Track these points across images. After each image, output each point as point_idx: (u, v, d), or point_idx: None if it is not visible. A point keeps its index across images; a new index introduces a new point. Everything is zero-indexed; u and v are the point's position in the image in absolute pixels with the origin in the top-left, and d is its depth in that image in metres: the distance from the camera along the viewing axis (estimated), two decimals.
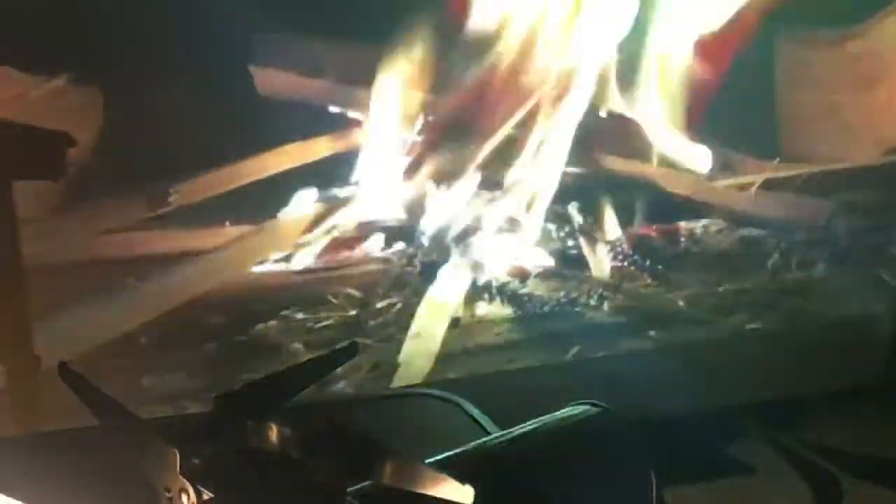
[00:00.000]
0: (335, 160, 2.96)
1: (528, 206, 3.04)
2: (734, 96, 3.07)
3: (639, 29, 3.07)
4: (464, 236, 2.97)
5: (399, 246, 2.97)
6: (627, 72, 3.13)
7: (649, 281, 3.02)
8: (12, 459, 1.08)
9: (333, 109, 2.99)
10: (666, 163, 3.21)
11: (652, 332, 2.89)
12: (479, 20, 3.00)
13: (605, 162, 3.16)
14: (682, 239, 3.15)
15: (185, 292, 2.68)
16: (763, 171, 3.22)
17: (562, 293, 2.95)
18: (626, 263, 3.04)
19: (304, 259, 2.92)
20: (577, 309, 2.92)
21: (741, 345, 2.93)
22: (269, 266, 2.88)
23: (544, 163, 3.06)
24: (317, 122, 2.92)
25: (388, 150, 3.03)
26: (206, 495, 0.71)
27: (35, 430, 2.35)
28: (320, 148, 2.95)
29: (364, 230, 2.99)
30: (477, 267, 2.94)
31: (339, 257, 2.94)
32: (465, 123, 3.06)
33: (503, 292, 2.92)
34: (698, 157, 3.23)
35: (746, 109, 3.13)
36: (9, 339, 2.35)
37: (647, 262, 3.05)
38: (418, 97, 3.03)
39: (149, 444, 0.73)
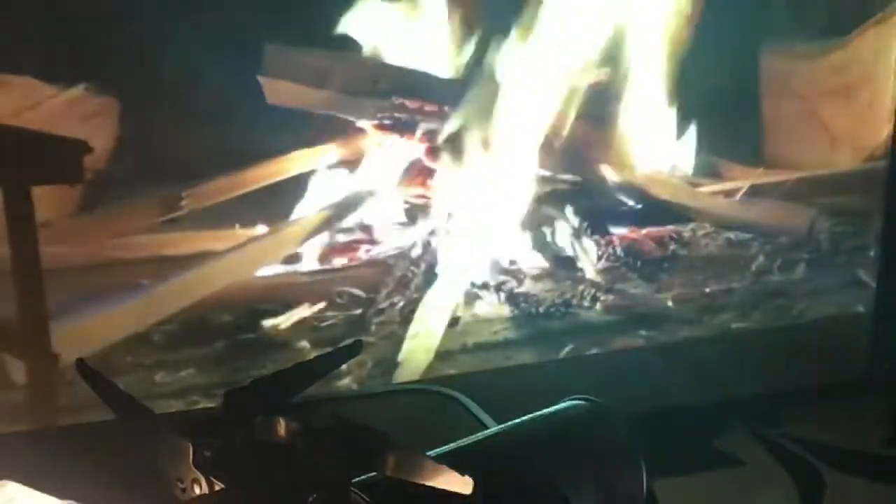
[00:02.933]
0: (340, 165, 2.97)
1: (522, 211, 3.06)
2: (721, 106, 3.09)
3: (627, 34, 3.08)
4: (463, 239, 2.99)
5: (401, 248, 2.98)
6: (618, 79, 3.13)
7: (639, 282, 3.05)
8: (32, 452, 1.12)
9: (339, 117, 2.99)
10: (656, 169, 3.22)
11: (642, 331, 2.95)
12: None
13: (597, 169, 3.17)
14: (671, 242, 3.16)
15: (197, 292, 2.70)
16: (749, 177, 3.23)
17: (556, 294, 2.98)
18: (617, 265, 3.07)
19: (311, 261, 2.93)
20: (570, 309, 2.96)
21: (727, 343, 2.98)
22: (277, 267, 2.88)
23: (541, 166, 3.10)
24: (323, 129, 2.94)
25: (390, 156, 3.04)
26: (217, 486, 0.72)
27: (54, 423, 2.43)
28: (326, 154, 2.96)
29: (368, 233, 3.01)
30: (475, 268, 2.97)
31: (344, 259, 2.96)
32: (467, 129, 3.09)
33: (500, 293, 2.95)
34: (686, 164, 3.26)
35: (733, 119, 3.15)
36: (28, 338, 2.43)
37: (638, 265, 3.08)
38: (420, 101, 3.04)
39: (162, 438, 0.74)
